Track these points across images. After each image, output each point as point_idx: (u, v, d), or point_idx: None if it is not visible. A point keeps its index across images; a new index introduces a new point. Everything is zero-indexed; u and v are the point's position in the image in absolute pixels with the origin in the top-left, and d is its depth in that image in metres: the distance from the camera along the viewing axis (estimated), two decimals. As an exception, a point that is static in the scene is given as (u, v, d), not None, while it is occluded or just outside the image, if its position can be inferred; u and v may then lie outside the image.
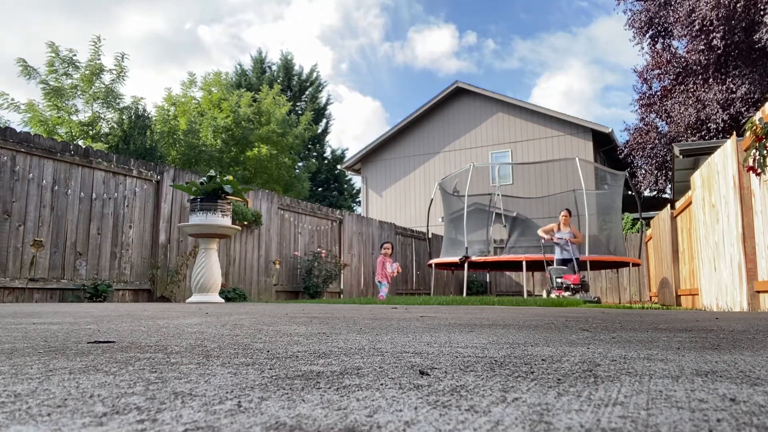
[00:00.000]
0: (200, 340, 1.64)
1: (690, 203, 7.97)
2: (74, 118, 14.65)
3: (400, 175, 21.76)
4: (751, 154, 4.49)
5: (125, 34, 58.50)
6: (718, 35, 16.32)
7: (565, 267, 9.37)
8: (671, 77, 19.16)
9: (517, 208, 14.27)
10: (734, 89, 16.83)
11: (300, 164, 25.79)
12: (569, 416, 0.68)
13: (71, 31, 60.27)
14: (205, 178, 6.31)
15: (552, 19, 72.88)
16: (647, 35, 20.00)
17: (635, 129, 20.42)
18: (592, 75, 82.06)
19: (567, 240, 9.52)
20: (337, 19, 71.32)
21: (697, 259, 7.35)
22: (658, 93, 20.05)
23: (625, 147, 20.18)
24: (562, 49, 79.63)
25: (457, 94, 21.36)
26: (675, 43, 19.57)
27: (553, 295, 8.85)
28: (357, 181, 32.29)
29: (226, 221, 6.32)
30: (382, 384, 0.91)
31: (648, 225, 14.49)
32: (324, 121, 32.87)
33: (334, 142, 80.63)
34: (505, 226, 13.28)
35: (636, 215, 17.38)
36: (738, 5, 15.71)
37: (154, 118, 16.96)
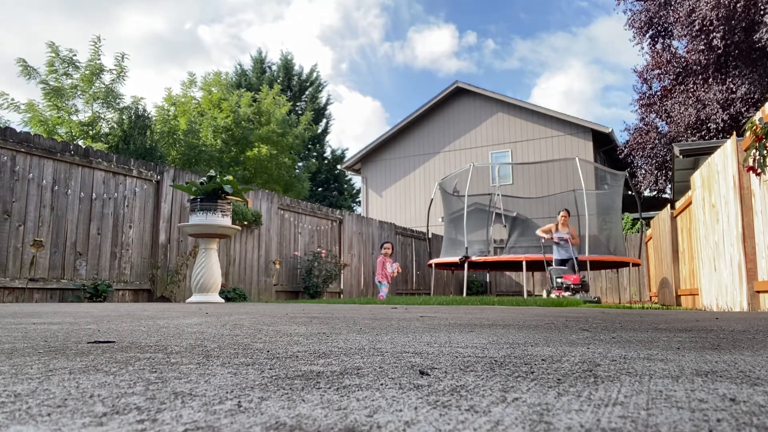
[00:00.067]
0: (200, 340, 1.64)
1: (690, 203, 7.97)
2: (74, 118, 14.66)
3: (400, 175, 21.75)
4: (751, 154, 4.50)
5: (125, 34, 58.55)
6: (718, 35, 16.32)
7: (564, 267, 9.38)
8: (671, 77, 19.16)
9: (517, 208, 14.26)
10: (734, 89, 16.83)
11: (300, 164, 25.80)
12: (569, 416, 0.68)
13: (71, 31, 60.32)
14: (205, 178, 6.31)
15: (552, 19, 72.96)
16: (647, 35, 20.00)
17: (635, 129, 20.42)
18: (592, 75, 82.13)
19: (566, 240, 9.53)
20: (337, 19, 71.40)
21: (697, 259, 7.35)
22: (658, 93, 20.05)
23: (625, 147, 20.17)
24: (562, 49, 79.71)
25: (457, 94, 21.36)
26: (675, 43, 19.59)
27: (553, 295, 8.85)
28: (357, 181, 32.32)
29: (226, 221, 6.32)
30: (382, 384, 0.91)
31: (648, 225, 14.49)
32: (324, 121, 32.89)
33: (334, 142, 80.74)
34: (505, 226, 13.27)
35: (636, 215, 17.38)
36: (738, 5, 15.71)
37: (154, 118, 16.96)
